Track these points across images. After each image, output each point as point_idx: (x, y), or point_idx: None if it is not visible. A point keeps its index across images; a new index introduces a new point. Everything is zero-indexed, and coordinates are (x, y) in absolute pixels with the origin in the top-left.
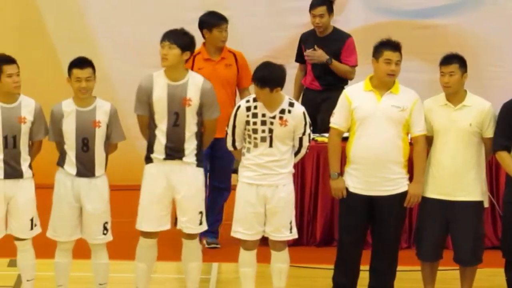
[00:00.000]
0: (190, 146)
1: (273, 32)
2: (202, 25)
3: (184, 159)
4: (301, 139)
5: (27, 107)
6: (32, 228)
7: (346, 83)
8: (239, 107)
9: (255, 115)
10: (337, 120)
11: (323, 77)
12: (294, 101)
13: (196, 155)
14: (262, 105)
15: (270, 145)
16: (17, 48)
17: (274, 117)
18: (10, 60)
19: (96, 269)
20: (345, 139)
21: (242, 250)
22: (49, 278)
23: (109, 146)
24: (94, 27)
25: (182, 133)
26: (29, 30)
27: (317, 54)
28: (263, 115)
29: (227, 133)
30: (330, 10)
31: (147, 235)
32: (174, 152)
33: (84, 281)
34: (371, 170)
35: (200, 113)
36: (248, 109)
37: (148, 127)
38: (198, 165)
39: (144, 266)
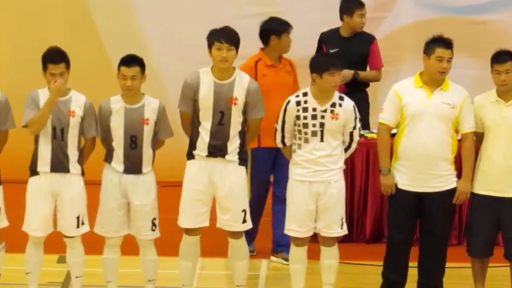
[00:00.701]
0: (233, 144)
1: (324, 28)
2: (270, 31)
3: (227, 157)
4: (351, 134)
5: (77, 102)
6: (78, 226)
7: (368, 85)
8: (288, 101)
9: (305, 110)
10: (386, 116)
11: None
12: (343, 95)
13: (239, 153)
14: (313, 99)
15: (321, 140)
16: (66, 45)
17: (325, 111)
18: (55, 60)
19: (144, 265)
20: (393, 136)
21: (293, 246)
22: (98, 275)
23: (157, 143)
24: (143, 23)
25: (227, 132)
26: (78, 27)
27: (342, 75)
28: (314, 109)
29: (276, 129)
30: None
31: (190, 232)
32: (217, 150)
33: (133, 277)
34: (420, 167)
35: (245, 112)
36: (298, 103)
37: (191, 124)
38: (240, 163)
39: (188, 264)
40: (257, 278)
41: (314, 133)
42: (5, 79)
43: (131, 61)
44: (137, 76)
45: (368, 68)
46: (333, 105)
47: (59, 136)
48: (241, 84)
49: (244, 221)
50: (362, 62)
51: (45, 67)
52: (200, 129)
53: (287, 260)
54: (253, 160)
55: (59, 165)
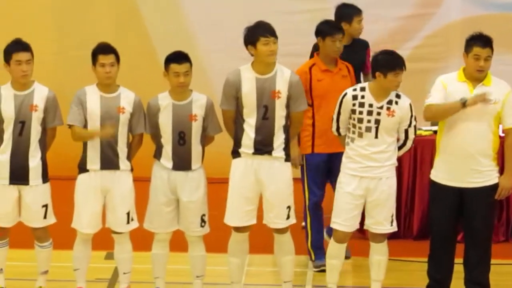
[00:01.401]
0: (279, 139)
1: (372, 25)
2: (316, 34)
3: (273, 153)
4: (406, 131)
5: (126, 98)
6: (128, 222)
7: None
8: (345, 94)
9: (361, 105)
10: (433, 99)
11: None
12: (400, 93)
13: (284, 149)
14: (370, 95)
15: (376, 136)
16: (113, 41)
17: (381, 107)
18: (106, 50)
19: (193, 262)
20: (435, 133)
21: (332, 241)
22: (146, 271)
23: (206, 139)
24: (191, 19)
25: (272, 127)
26: (125, 23)
27: None
28: (370, 105)
29: (332, 118)
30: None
31: (239, 230)
32: (263, 146)
33: (181, 274)
34: (460, 162)
35: (287, 105)
36: (355, 97)
37: (234, 122)
38: (286, 160)
39: (237, 261)
40: (305, 275)
41: (368, 129)
42: (51, 75)
43: (182, 57)
44: (189, 72)
45: (370, 76)
46: (390, 102)
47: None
48: (283, 77)
49: (288, 217)
50: (360, 69)
51: (95, 60)
52: (245, 125)
53: (318, 267)
54: (308, 166)
55: (109, 162)
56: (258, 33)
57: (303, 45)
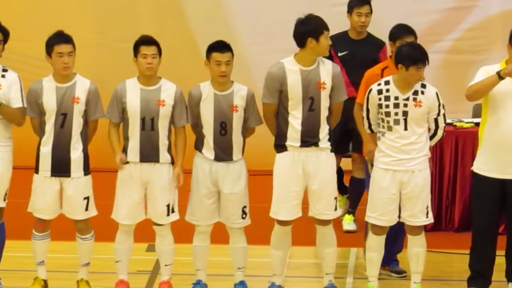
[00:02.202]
0: (324, 131)
1: (413, 17)
2: (390, 37)
3: (320, 144)
4: (436, 120)
5: (167, 90)
6: (168, 214)
7: None
8: (370, 90)
9: (387, 98)
10: (475, 81)
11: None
12: (425, 82)
13: (329, 139)
14: (394, 88)
15: (405, 128)
16: (155, 34)
17: (407, 99)
18: (148, 42)
19: (234, 254)
20: (477, 125)
21: (371, 234)
22: (188, 263)
23: (247, 130)
24: (232, 11)
25: (317, 118)
26: (168, 16)
27: None
28: (396, 98)
29: (363, 117)
30: (371, 10)
31: (283, 223)
32: (310, 138)
33: (222, 266)
34: (504, 153)
35: (330, 96)
36: (380, 92)
37: (276, 115)
38: (331, 151)
39: (280, 253)
40: (346, 267)
41: (396, 122)
42: (93, 68)
43: (224, 47)
44: (230, 62)
45: None
46: (415, 93)
47: (148, 126)
48: (326, 68)
49: (336, 208)
50: (370, 67)
51: (137, 51)
52: (290, 118)
53: (400, 273)
54: None
55: (149, 155)
56: (323, 27)
57: None
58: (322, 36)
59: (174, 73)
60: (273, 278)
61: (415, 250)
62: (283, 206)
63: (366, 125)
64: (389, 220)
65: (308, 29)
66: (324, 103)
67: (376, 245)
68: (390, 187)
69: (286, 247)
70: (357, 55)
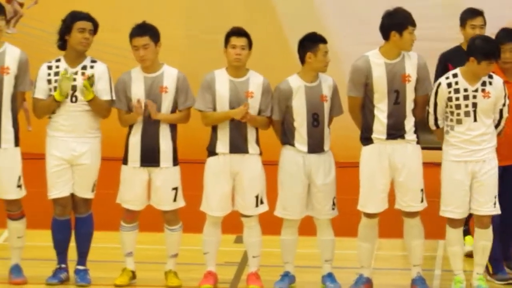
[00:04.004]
0: (410, 123)
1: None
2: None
3: (406, 136)
4: (501, 111)
5: (253, 83)
6: (257, 205)
7: None
8: (439, 84)
9: (457, 91)
10: None
11: None
12: (491, 73)
13: (415, 132)
14: (463, 80)
15: (475, 120)
16: (244, 25)
17: (476, 90)
18: (239, 33)
19: (322, 246)
20: None
21: (449, 228)
22: (275, 255)
23: (329, 121)
24: (321, 4)
25: (403, 111)
26: (256, 8)
27: None
28: (465, 90)
29: (428, 112)
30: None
31: (370, 215)
32: (396, 130)
33: (310, 258)
34: None
35: (415, 88)
36: (449, 85)
37: (362, 108)
38: (417, 142)
39: (368, 245)
40: (434, 259)
41: (467, 114)
42: (182, 58)
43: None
44: (328, 52)
45: None
46: (484, 84)
47: None
48: (411, 61)
49: (422, 200)
50: None
51: (227, 42)
52: (376, 111)
53: (507, 280)
54: None
55: (238, 146)
56: (408, 22)
57: (437, 30)
58: (406, 31)
59: (262, 66)
60: (361, 270)
61: (482, 243)
62: (371, 199)
63: (432, 121)
64: (464, 212)
65: (393, 23)
66: (410, 96)
67: (455, 238)
68: (464, 178)
69: (373, 239)
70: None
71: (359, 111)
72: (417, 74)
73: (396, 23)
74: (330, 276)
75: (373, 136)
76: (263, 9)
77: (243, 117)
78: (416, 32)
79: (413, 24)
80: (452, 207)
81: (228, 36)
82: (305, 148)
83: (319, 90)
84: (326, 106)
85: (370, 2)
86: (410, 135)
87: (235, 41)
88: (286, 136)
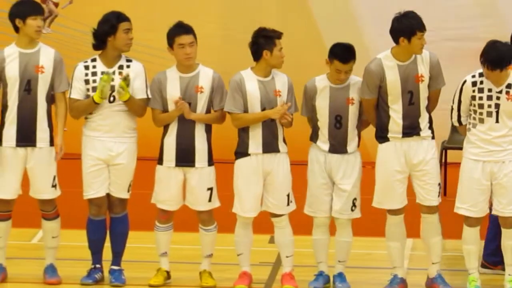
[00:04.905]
0: (424, 120)
1: None
2: None
3: (421, 133)
4: None
5: (279, 81)
6: (288, 204)
7: None
8: (464, 81)
9: (481, 90)
10: None
11: None
12: None
13: (430, 127)
14: (488, 80)
15: (497, 120)
16: (278, 26)
17: (500, 92)
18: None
19: (339, 246)
20: None
21: (465, 226)
22: (308, 255)
23: (362, 124)
24: (357, 4)
25: (418, 110)
26: (292, 8)
27: None
28: (489, 90)
29: (452, 108)
30: None
31: (394, 212)
32: (411, 129)
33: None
34: None
35: (428, 85)
36: (474, 84)
37: (376, 109)
38: (433, 138)
39: (397, 244)
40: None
41: (489, 114)
42: (217, 58)
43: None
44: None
45: None
46: (509, 86)
47: (268, 119)
48: (423, 60)
49: (439, 194)
50: None
51: (273, 44)
52: (391, 112)
53: None
54: None
55: (270, 145)
56: (416, 27)
57: (465, 30)
58: (415, 37)
59: (297, 64)
60: (395, 270)
61: (509, 243)
62: (388, 196)
63: (455, 117)
64: (479, 211)
65: (401, 28)
66: (423, 94)
67: (471, 237)
68: (481, 177)
69: (402, 237)
70: None
71: (374, 111)
72: (430, 73)
73: (404, 29)
74: (340, 276)
75: (389, 135)
76: (298, 8)
77: (282, 117)
78: (450, 32)
79: (421, 29)
80: (467, 204)
81: (273, 38)
82: (326, 148)
83: (346, 92)
84: (352, 108)
85: (406, 2)
86: (425, 131)
87: (280, 43)
88: (312, 134)
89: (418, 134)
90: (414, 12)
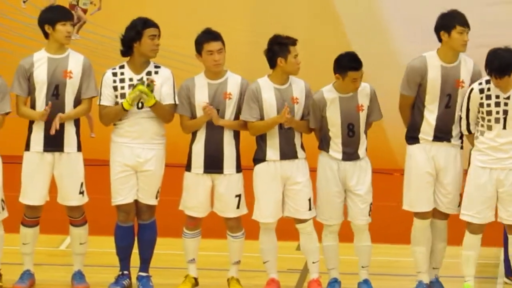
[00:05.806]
0: (457, 129)
1: None
2: None
3: (452, 140)
4: None
5: (297, 89)
6: (310, 209)
7: None
8: (472, 89)
9: (488, 97)
10: None
11: None
12: None
13: (460, 137)
14: (495, 87)
15: (504, 127)
16: (306, 32)
17: (508, 98)
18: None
19: (359, 252)
20: None
21: (467, 233)
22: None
23: (368, 126)
24: (385, 11)
25: (452, 115)
26: (319, 14)
27: None
28: (497, 97)
29: (461, 117)
30: None
31: (422, 216)
32: (443, 134)
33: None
34: None
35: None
36: (481, 91)
37: (411, 107)
38: (461, 147)
39: (423, 249)
40: (497, 266)
41: (497, 120)
42: (245, 65)
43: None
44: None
45: None
46: None
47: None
48: (467, 67)
49: (459, 204)
50: None
51: (287, 51)
52: (426, 112)
53: None
54: None
55: (288, 152)
56: (455, 21)
57: (498, 37)
58: (454, 30)
59: (326, 70)
60: (419, 276)
61: None
62: (421, 197)
63: (464, 126)
64: (484, 218)
65: (442, 23)
66: (460, 101)
67: (472, 243)
68: (488, 185)
69: (428, 242)
70: None
71: (409, 109)
72: (471, 81)
73: (444, 23)
74: (366, 283)
75: (420, 136)
76: (326, 15)
77: (286, 121)
78: (481, 39)
79: (462, 23)
80: (473, 212)
81: (287, 45)
82: (339, 156)
83: (355, 100)
84: (362, 114)
85: (435, 8)
86: (456, 140)
87: (295, 51)
88: (322, 143)
89: (449, 140)
90: (457, 10)
